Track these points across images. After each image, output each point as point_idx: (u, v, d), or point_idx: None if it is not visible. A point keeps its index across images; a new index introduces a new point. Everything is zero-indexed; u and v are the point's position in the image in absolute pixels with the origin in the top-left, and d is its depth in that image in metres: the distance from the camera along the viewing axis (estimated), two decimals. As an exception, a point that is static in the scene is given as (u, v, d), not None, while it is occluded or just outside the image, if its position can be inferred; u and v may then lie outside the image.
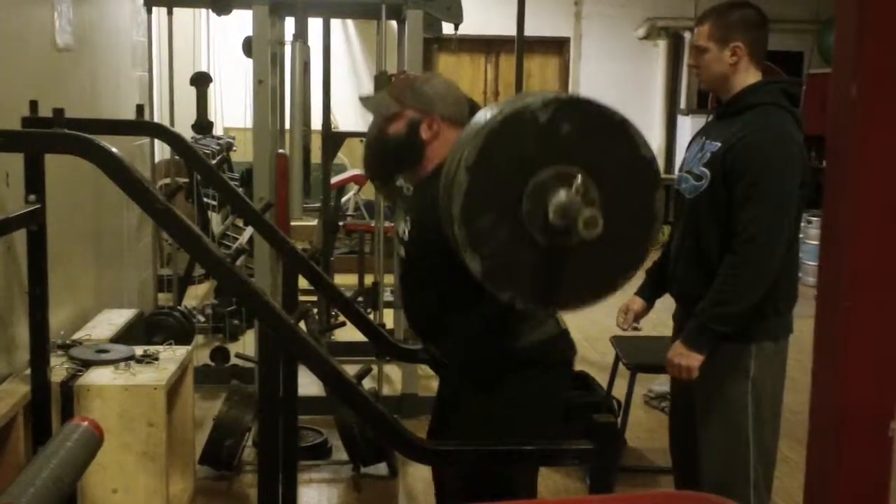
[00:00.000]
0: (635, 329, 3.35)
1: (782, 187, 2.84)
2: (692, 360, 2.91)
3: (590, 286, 2.18)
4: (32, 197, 3.18)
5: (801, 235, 3.04)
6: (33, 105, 3.34)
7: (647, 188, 2.14)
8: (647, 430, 4.96)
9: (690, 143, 3.15)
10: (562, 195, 2.01)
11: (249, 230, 6.40)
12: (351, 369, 4.34)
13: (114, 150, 2.21)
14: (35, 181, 3.18)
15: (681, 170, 3.13)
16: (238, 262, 4.94)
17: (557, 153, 2.06)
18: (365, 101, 2.84)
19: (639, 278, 3.40)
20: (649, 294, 3.32)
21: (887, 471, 1.06)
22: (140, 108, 4.71)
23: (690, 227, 3.02)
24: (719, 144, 2.93)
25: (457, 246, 2.09)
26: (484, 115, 2.17)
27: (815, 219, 8.13)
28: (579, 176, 2.03)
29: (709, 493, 3.00)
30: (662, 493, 2.97)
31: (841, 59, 1.05)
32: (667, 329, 3.31)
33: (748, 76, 2.97)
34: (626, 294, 3.44)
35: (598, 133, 2.09)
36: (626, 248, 2.16)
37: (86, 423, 2.05)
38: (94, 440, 2.05)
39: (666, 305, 3.32)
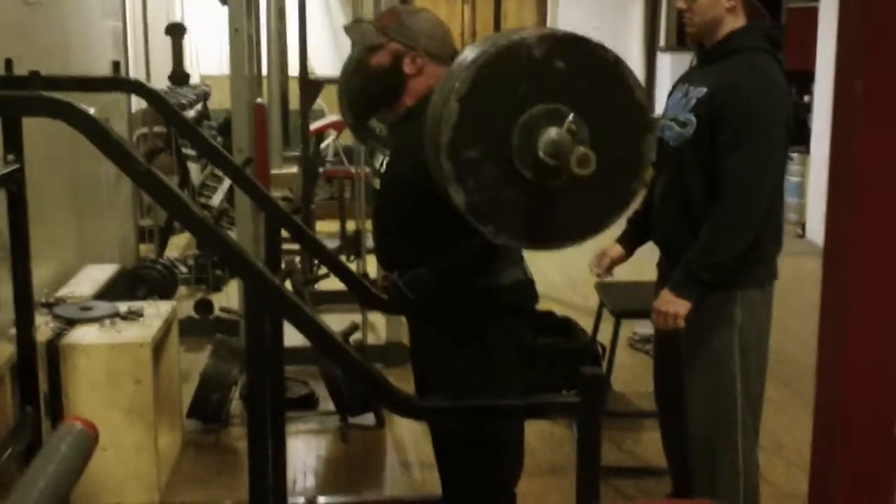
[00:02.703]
0: (608, 276, 3.34)
1: (768, 133, 2.82)
2: (680, 308, 2.90)
3: (575, 226, 2.19)
4: (11, 157, 3.14)
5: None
6: (8, 63, 3.28)
7: (638, 131, 2.14)
8: (632, 374, 4.99)
9: (672, 89, 3.11)
10: (552, 132, 2.02)
11: (228, 181, 6.36)
12: (335, 318, 4.36)
13: (92, 111, 2.18)
14: (13, 141, 3.14)
15: (663, 117, 3.09)
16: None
17: (550, 90, 2.07)
18: (349, 29, 2.82)
19: (621, 225, 3.40)
20: (629, 243, 3.29)
21: (893, 470, 1.07)
22: (116, 65, 4.64)
23: (675, 175, 2.99)
24: (705, 90, 2.89)
25: (441, 178, 2.09)
26: (477, 49, 2.15)
27: (795, 155, 8.14)
28: (571, 114, 2.03)
29: (697, 440, 3.04)
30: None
31: (844, 55, 1.03)
32: (650, 275, 3.31)
33: (737, 21, 2.92)
34: (608, 239, 3.41)
35: (591, 73, 2.10)
36: (614, 189, 2.17)
37: (79, 424, 2.03)
38: (89, 440, 2.04)
39: (649, 250, 3.31)
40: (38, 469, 1.90)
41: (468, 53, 2.17)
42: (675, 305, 2.91)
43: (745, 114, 2.81)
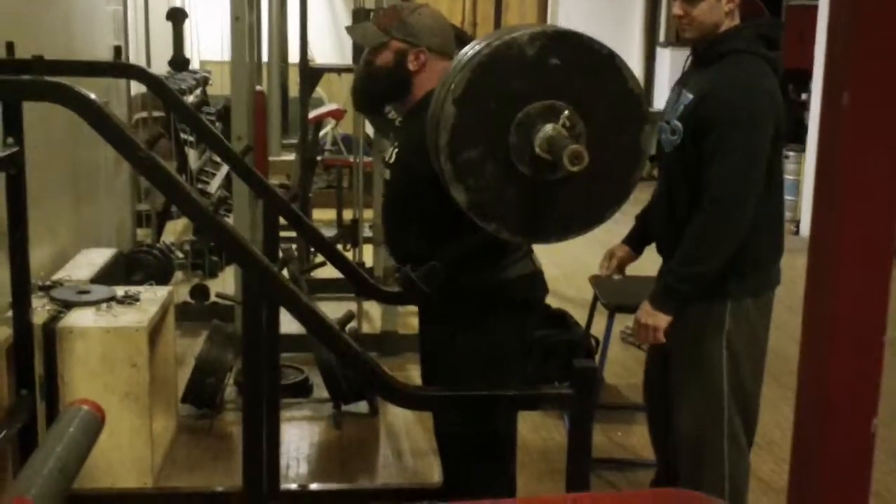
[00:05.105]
0: (618, 276, 3.29)
1: (751, 142, 2.75)
2: (659, 321, 2.86)
3: (575, 218, 2.23)
4: (10, 140, 3.15)
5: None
6: (10, 46, 3.29)
7: (634, 122, 2.18)
8: (624, 367, 5.02)
9: (671, 91, 3.07)
10: (548, 129, 2.06)
11: (227, 167, 6.37)
12: (331, 306, 4.38)
13: (93, 96, 2.19)
14: (13, 124, 3.15)
15: (661, 119, 3.02)
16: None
17: (544, 87, 2.10)
18: (351, 30, 2.86)
19: (629, 219, 3.36)
20: (636, 243, 3.26)
21: (871, 463, 1.09)
22: (118, 50, 4.64)
23: (666, 179, 2.97)
24: (692, 97, 2.84)
25: (443, 178, 2.13)
26: (472, 48, 2.18)
27: (791, 154, 8.16)
28: (566, 110, 2.06)
29: (684, 444, 3.04)
30: (651, 493, 2.93)
31: (832, 66, 1.04)
32: (644, 270, 3.31)
33: (733, 22, 2.86)
34: (616, 234, 3.38)
35: (585, 67, 2.13)
36: (612, 181, 2.21)
37: (87, 406, 2.05)
38: (96, 422, 2.06)
39: (650, 248, 3.29)
40: (48, 449, 1.93)
41: (463, 54, 2.20)
42: (654, 318, 2.87)
43: (728, 121, 2.75)
